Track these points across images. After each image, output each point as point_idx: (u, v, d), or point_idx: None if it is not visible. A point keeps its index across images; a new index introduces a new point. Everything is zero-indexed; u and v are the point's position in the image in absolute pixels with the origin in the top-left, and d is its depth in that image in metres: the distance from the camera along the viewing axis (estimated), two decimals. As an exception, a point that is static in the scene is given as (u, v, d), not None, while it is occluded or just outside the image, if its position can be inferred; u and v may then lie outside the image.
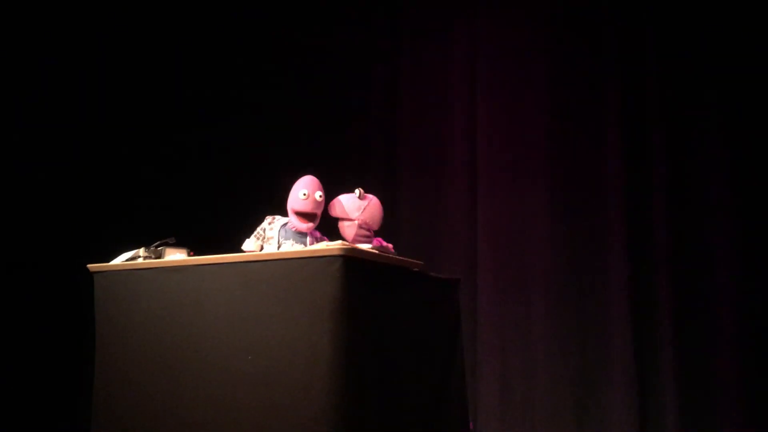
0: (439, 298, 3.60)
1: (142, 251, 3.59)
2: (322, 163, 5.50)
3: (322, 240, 3.58)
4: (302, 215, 3.51)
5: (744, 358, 4.43)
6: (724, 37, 4.62)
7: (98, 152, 5.53)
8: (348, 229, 3.46)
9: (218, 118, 5.89)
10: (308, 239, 3.58)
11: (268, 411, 3.04)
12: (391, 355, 3.19)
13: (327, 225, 3.62)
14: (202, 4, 5.94)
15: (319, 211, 3.53)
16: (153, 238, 3.66)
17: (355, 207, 3.47)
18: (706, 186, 4.65)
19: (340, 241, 3.28)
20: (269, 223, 3.61)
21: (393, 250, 3.47)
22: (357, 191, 3.51)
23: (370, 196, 3.55)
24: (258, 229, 3.64)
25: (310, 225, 3.53)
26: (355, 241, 3.42)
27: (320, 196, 3.51)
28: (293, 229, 3.56)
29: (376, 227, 3.54)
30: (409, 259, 3.44)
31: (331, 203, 3.54)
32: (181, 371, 3.29)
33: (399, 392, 3.20)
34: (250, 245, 3.61)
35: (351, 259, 3.01)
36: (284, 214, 3.63)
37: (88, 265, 3.64)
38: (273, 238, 3.56)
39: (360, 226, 3.46)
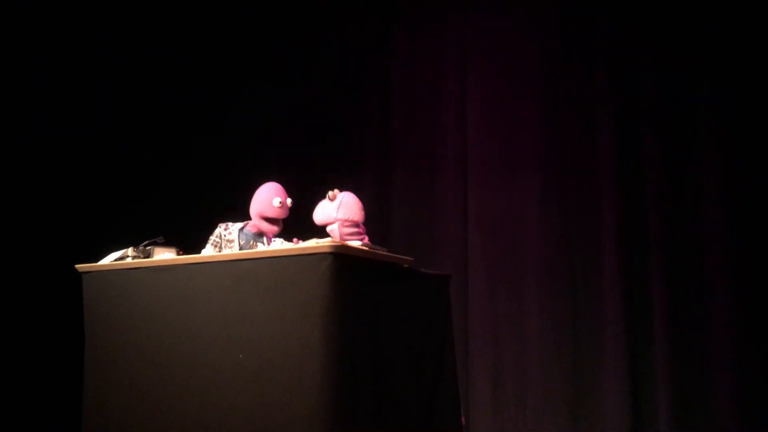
0: (430, 294, 3.60)
1: (130, 251, 3.57)
2: (317, 161, 5.57)
3: (275, 238, 3.76)
4: (273, 221, 3.71)
5: (738, 351, 4.43)
6: (717, 28, 4.62)
7: (88, 153, 5.51)
8: (333, 231, 3.48)
9: (211, 117, 5.89)
10: (265, 239, 3.76)
11: (260, 408, 3.03)
12: (383, 351, 3.18)
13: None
14: (197, 6, 5.92)
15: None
16: (141, 237, 3.64)
17: (332, 209, 3.51)
18: (700, 179, 4.65)
19: (329, 239, 3.28)
20: (225, 229, 3.75)
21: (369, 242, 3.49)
22: (327, 195, 3.55)
23: (341, 193, 3.57)
24: (213, 237, 3.74)
25: (278, 228, 3.75)
26: (345, 240, 3.41)
27: (290, 202, 3.73)
28: (252, 231, 3.74)
29: (358, 218, 3.55)
30: (400, 256, 3.44)
31: (313, 214, 3.60)
32: (171, 370, 3.28)
33: (391, 388, 3.20)
34: (208, 252, 3.67)
35: (341, 256, 3.01)
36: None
37: (77, 266, 3.62)
38: (233, 242, 3.70)
39: (343, 225, 3.48)
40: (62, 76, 5.44)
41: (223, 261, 3.26)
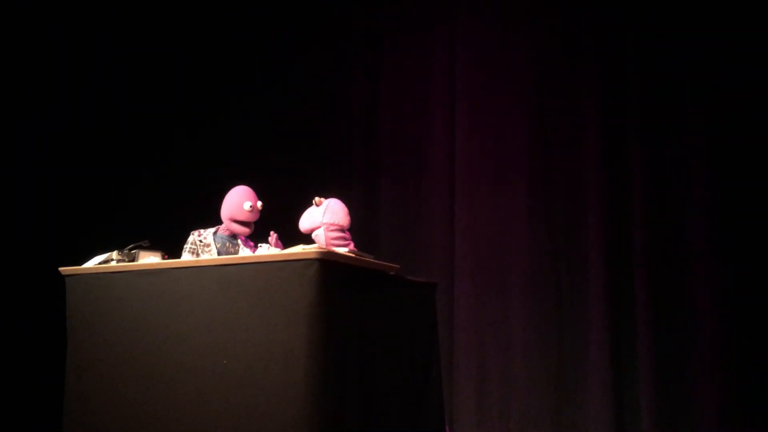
0: (416, 301, 3.59)
1: (115, 254, 3.55)
2: (305, 170, 5.56)
3: (248, 243, 3.80)
4: (243, 223, 3.74)
5: (720, 360, 4.46)
6: (700, 39, 4.67)
7: (73, 156, 5.48)
8: (319, 236, 3.48)
9: (198, 123, 5.87)
10: (239, 241, 3.79)
11: (244, 415, 3.01)
12: (368, 358, 3.17)
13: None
14: (186, 15, 5.91)
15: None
16: (126, 241, 3.61)
17: (318, 214, 3.53)
18: (683, 187, 4.69)
19: (316, 245, 3.27)
20: (198, 236, 3.77)
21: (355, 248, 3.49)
22: (313, 201, 3.56)
23: (326, 199, 3.58)
24: (188, 245, 3.75)
25: (249, 230, 3.79)
26: (331, 245, 3.40)
27: (261, 205, 3.77)
28: (226, 234, 3.78)
29: (344, 223, 3.54)
30: (386, 263, 3.43)
31: (299, 222, 3.60)
32: (154, 375, 3.25)
33: (376, 396, 3.18)
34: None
35: (327, 262, 3.00)
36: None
37: (60, 268, 3.58)
38: (210, 245, 3.71)
39: (328, 229, 3.47)
40: (46, 79, 5.41)
41: (209, 266, 3.24)
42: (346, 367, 3.02)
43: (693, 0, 4.70)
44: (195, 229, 3.81)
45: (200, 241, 3.74)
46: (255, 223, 3.80)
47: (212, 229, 3.79)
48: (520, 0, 5.27)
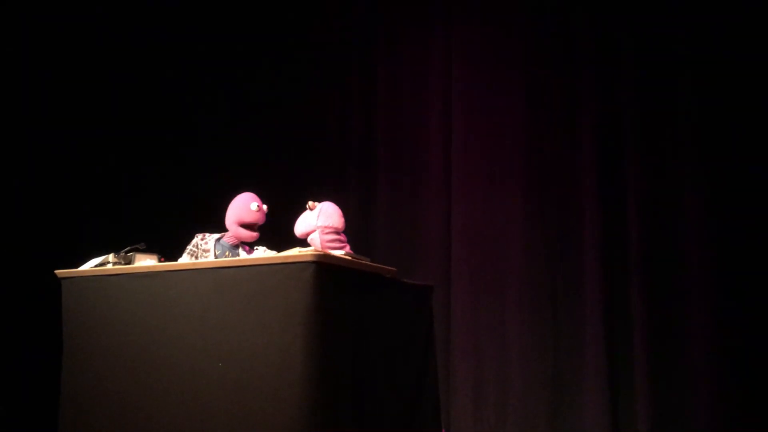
0: (413, 304, 3.59)
1: (111, 257, 3.55)
2: (301, 174, 5.57)
3: (252, 252, 3.79)
4: (251, 227, 3.73)
5: (716, 362, 4.46)
6: (697, 44, 4.68)
7: (72, 158, 5.48)
8: (314, 240, 3.48)
9: (193, 126, 5.87)
10: (240, 251, 3.78)
11: (240, 418, 3.01)
12: (364, 361, 3.17)
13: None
14: (184, 18, 5.92)
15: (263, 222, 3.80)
16: (123, 243, 3.62)
17: (313, 217, 3.53)
18: (679, 190, 4.69)
19: (312, 248, 3.27)
20: (201, 239, 3.78)
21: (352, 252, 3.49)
22: (307, 205, 3.57)
23: (320, 203, 3.58)
24: (190, 246, 3.77)
25: (257, 234, 3.77)
26: (326, 248, 3.41)
27: (266, 208, 3.77)
28: (229, 243, 3.78)
29: (339, 226, 3.55)
30: (383, 266, 3.43)
31: (294, 227, 3.60)
32: (150, 377, 3.25)
33: (372, 399, 3.18)
34: (185, 261, 3.68)
35: (323, 265, 3.00)
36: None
37: (56, 271, 3.58)
38: (209, 251, 3.72)
39: (323, 232, 3.48)
40: (45, 78, 5.42)
41: (205, 268, 3.24)
42: (342, 370, 3.02)
43: (690, 5, 4.71)
44: (200, 231, 3.82)
45: (201, 245, 3.74)
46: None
47: (216, 235, 3.79)
48: (517, 2, 5.28)
